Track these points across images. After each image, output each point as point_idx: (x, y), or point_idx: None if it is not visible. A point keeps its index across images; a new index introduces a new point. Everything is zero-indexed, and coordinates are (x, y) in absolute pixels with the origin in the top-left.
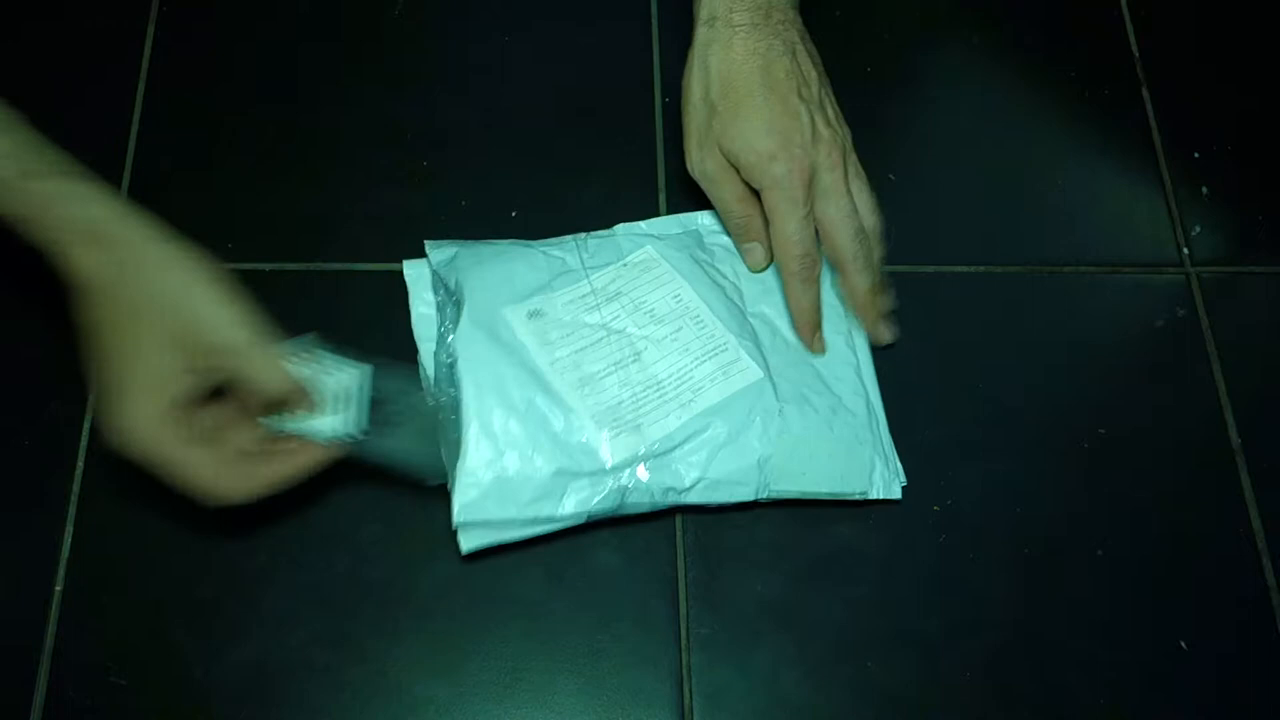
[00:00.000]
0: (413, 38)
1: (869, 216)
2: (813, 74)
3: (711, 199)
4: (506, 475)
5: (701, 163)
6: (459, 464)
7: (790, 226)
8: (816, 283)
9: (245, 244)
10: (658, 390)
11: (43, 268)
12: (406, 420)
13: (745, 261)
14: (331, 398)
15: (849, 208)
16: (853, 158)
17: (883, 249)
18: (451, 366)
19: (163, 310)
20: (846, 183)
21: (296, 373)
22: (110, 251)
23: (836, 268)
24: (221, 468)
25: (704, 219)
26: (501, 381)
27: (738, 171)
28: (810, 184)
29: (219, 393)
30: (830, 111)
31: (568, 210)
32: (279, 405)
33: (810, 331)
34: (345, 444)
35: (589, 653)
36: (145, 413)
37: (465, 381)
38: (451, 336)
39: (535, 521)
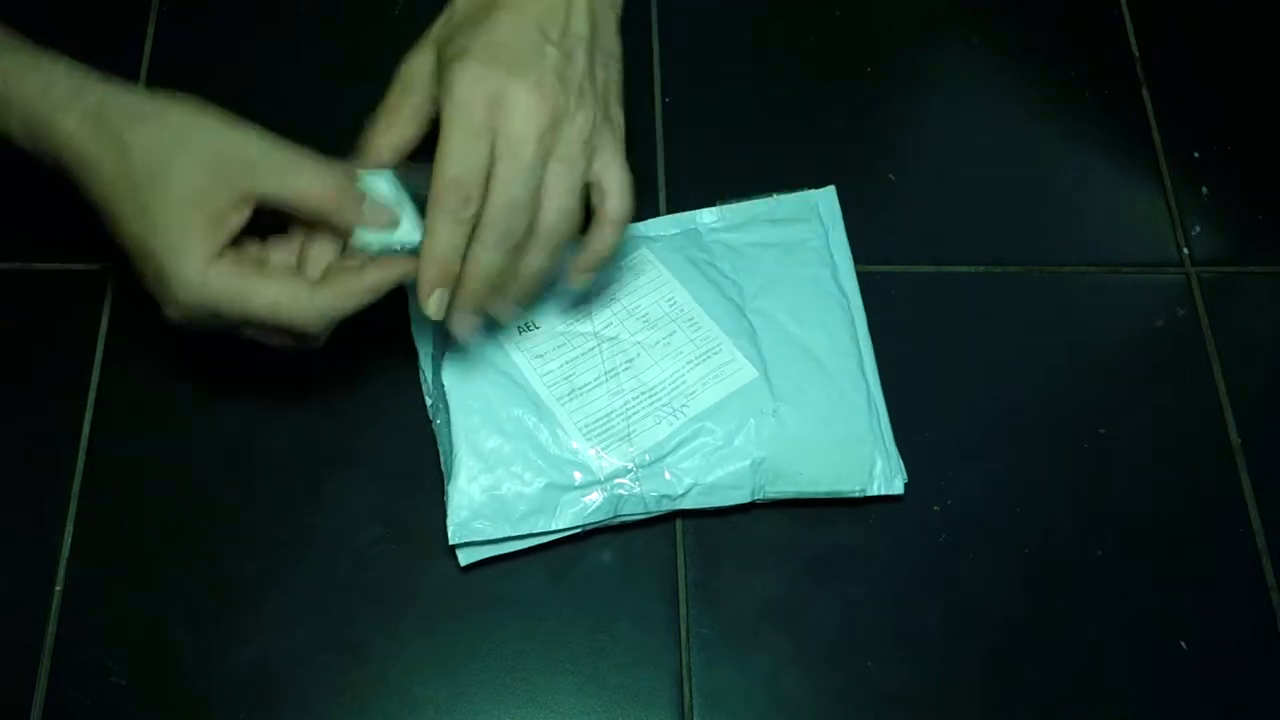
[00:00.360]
0: (413, 38)
1: (617, 200)
2: (583, 29)
3: (386, 95)
4: (498, 493)
5: (407, 60)
6: (450, 485)
7: (451, 144)
8: (464, 226)
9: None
10: (649, 397)
11: (41, 268)
12: None
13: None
14: (398, 206)
15: (538, 177)
16: (607, 134)
17: (610, 240)
18: (443, 389)
19: (185, 151)
20: (576, 148)
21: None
22: (104, 109)
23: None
24: (297, 294)
25: (703, 217)
26: (489, 403)
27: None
28: (498, 113)
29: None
30: (585, 67)
31: None
32: (337, 217)
33: (430, 288)
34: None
35: (589, 653)
36: (206, 254)
37: (454, 407)
38: (442, 358)
39: (531, 535)
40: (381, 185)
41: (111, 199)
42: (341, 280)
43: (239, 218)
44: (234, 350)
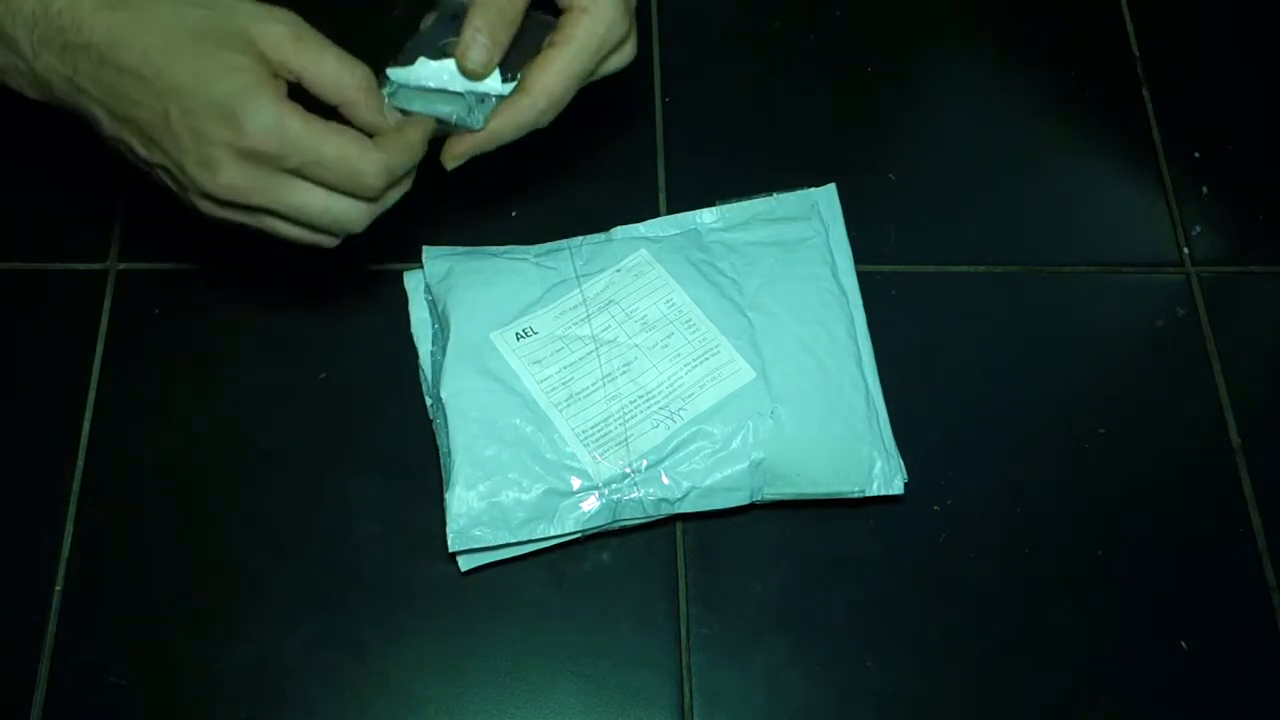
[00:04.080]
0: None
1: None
2: None
3: None
4: (497, 501)
5: None
6: (448, 493)
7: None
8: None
9: (250, 244)
10: (647, 401)
11: (41, 268)
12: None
13: (470, 52)
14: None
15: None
16: None
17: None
18: (441, 399)
19: (230, 19)
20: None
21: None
22: (127, 7)
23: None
24: (363, 144)
25: (703, 217)
26: (487, 411)
27: None
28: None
29: None
30: None
31: (568, 210)
32: (355, 110)
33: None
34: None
35: (589, 653)
36: (276, 95)
37: (452, 415)
38: (440, 365)
39: (530, 541)
40: (420, 73)
41: (156, 63)
42: (392, 137)
43: (283, 83)
44: (233, 350)
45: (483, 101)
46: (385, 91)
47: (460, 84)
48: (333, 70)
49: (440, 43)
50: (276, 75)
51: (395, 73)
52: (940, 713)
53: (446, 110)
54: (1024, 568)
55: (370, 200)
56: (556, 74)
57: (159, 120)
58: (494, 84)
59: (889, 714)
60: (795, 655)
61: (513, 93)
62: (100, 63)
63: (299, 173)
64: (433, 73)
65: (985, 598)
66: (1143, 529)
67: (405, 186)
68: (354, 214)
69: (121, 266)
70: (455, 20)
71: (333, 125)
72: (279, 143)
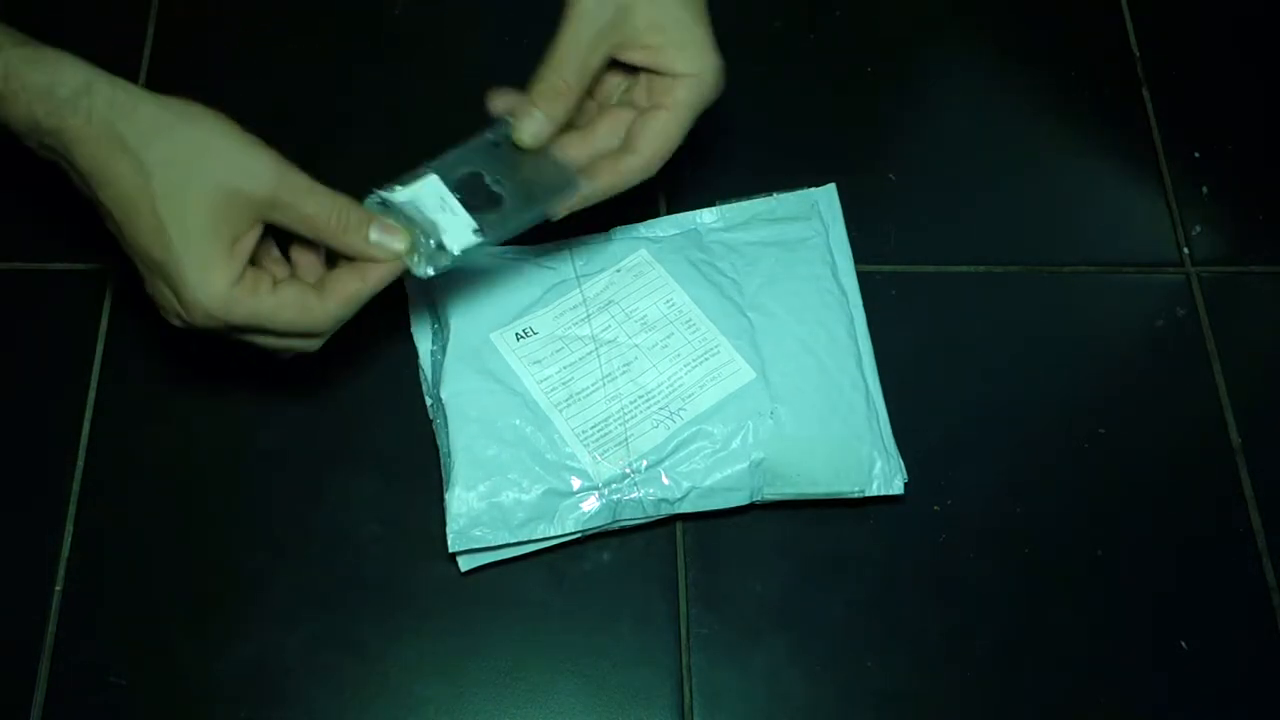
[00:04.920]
0: (413, 38)
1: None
2: None
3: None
4: (497, 501)
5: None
6: (448, 493)
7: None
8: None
9: None
10: (647, 401)
11: (41, 268)
12: (507, 180)
13: (521, 124)
14: (424, 224)
15: None
16: None
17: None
18: (441, 400)
19: (204, 173)
20: None
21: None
22: (117, 117)
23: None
24: (312, 307)
25: (703, 217)
26: (487, 412)
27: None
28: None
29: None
30: None
31: None
32: (340, 241)
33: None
34: (474, 251)
35: (589, 653)
36: (229, 278)
37: (452, 416)
38: (440, 366)
39: (530, 541)
40: (418, 195)
41: (125, 212)
42: (343, 284)
43: (253, 238)
44: (233, 350)
45: (440, 250)
46: (367, 202)
47: (438, 223)
48: (313, 216)
49: (456, 173)
50: (252, 229)
51: (383, 197)
52: (940, 713)
53: (414, 233)
54: (1024, 568)
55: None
56: (664, 137)
57: (125, 240)
58: (465, 233)
59: (889, 714)
60: (795, 655)
61: (622, 150)
62: (84, 174)
63: (250, 329)
64: (424, 201)
65: (985, 598)
66: (1143, 529)
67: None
68: (311, 345)
69: (121, 267)
70: (493, 150)
71: (280, 295)
72: (222, 310)
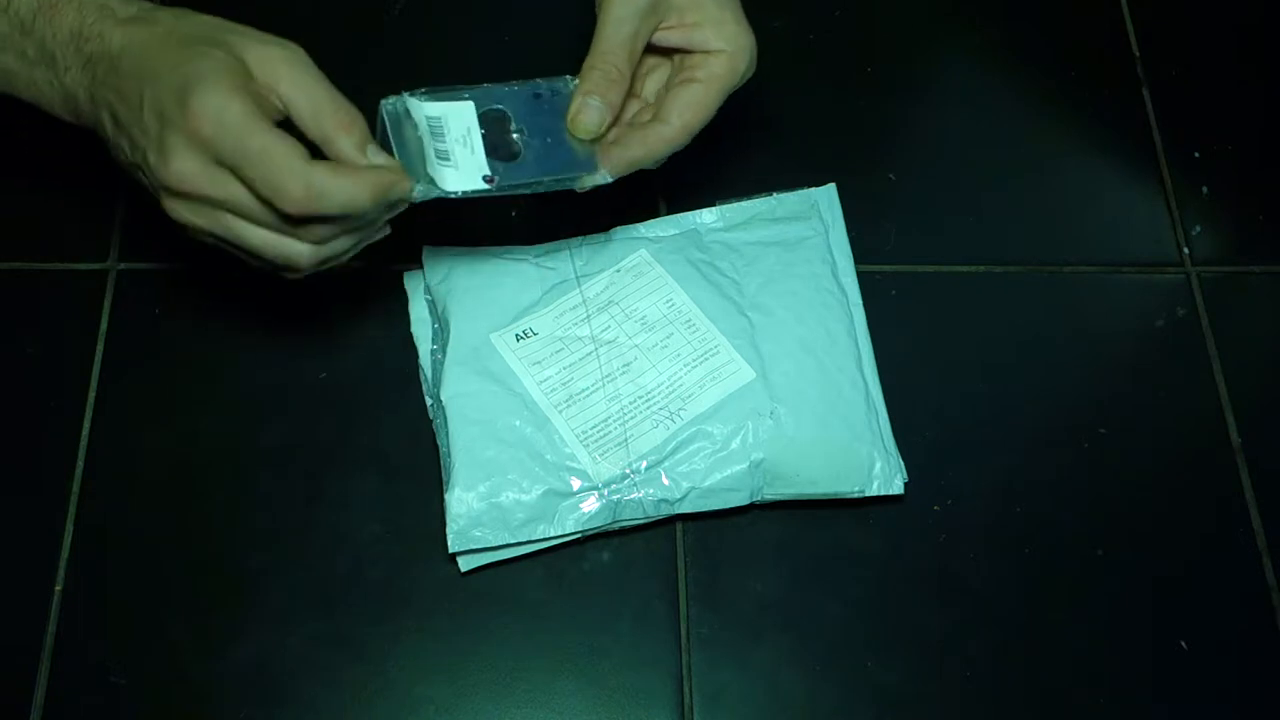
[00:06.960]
0: (413, 38)
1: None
2: None
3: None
4: (496, 501)
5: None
6: (448, 494)
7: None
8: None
9: None
10: (646, 402)
11: (41, 268)
12: (534, 137)
13: (580, 116)
14: (431, 146)
15: None
16: None
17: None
18: (440, 401)
19: (230, 37)
20: None
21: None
22: (145, 20)
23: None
24: (294, 156)
25: (703, 217)
26: (487, 413)
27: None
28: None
29: None
30: None
31: (568, 211)
32: (338, 147)
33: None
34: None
35: (589, 653)
36: (230, 85)
37: (452, 417)
38: (440, 366)
39: (530, 542)
40: (448, 115)
41: (148, 61)
42: (337, 170)
43: (267, 105)
44: (233, 350)
45: (431, 184)
46: (392, 100)
47: (452, 153)
48: (317, 101)
49: (488, 110)
50: (261, 94)
51: (395, 102)
52: (940, 713)
53: (410, 167)
54: (1024, 568)
55: (294, 223)
56: (696, 108)
57: (135, 110)
58: (475, 176)
59: (889, 714)
60: (795, 655)
61: (652, 121)
62: (111, 69)
63: (233, 170)
64: (450, 124)
65: (985, 598)
66: (1142, 529)
67: (354, 239)
68: (293, 248)
69: (121, 266)
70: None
71: (279, 132)
72: (216, 127)
